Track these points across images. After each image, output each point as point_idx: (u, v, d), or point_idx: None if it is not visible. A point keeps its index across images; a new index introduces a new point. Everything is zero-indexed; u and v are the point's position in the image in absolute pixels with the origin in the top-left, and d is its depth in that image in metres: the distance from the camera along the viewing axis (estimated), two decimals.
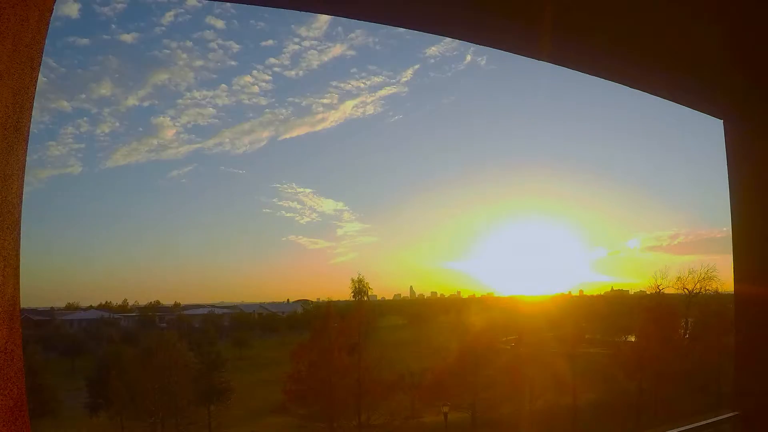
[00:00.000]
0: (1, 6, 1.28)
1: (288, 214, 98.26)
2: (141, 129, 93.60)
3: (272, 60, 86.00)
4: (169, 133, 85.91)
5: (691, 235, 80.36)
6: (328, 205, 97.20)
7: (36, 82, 1.46)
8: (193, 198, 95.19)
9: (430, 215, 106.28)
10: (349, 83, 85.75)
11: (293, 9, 2.91)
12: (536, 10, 2.95)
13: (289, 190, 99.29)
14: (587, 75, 3.74)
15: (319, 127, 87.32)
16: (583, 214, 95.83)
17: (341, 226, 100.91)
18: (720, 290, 40.56)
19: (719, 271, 41.25)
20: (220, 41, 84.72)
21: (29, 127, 1.44)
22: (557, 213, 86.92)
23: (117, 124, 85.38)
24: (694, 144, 71.71)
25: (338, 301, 48.11)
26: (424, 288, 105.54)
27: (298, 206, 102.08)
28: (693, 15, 3.24)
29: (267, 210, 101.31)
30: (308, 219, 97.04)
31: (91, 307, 73.15)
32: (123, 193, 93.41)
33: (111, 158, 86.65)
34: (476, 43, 3.23)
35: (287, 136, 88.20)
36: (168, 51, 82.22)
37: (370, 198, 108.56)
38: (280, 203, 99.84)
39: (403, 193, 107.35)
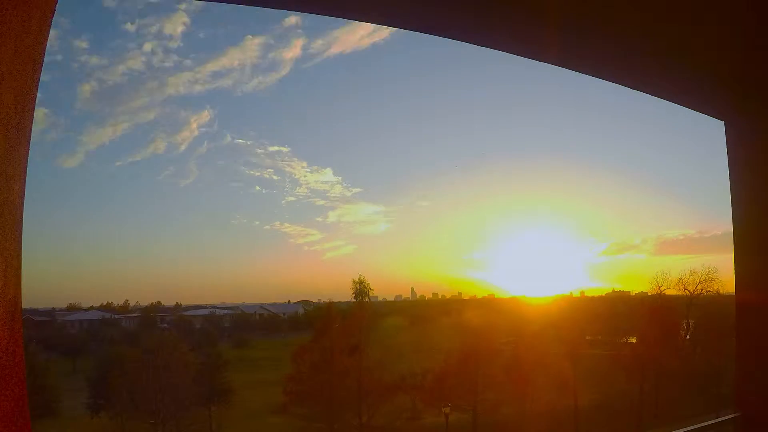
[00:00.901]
0: (3, 7, 1.28)
1: (265, 191, 79.11)
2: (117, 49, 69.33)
3: None
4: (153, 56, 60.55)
5: (692, 234, 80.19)
6: (313, 176, 77.77)
7: (38, 83, 1.46)
8: (191, 176, 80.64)
9: (440, 208, 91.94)
10: None
11: (292, 10, 2.92)
12: (540, 14, 2.97)
13: (259, 150, 75.98)
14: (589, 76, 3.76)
15: (349, 49, 67.15)
16: (585, 215, 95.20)
17: (332, 206, 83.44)
18: (721, 291, 40.55)
19: (720, 272, 41.28)
20: None
21: (31, 128, 1.44)
22: (558, 214, 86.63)
23: (85, 45, 61.92)
24: (699, 144, 70.99)
25: (339, 302, 48.15)
26: (425, 289, 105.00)
27: (276, 178, 78.99)
28: (694, 18, 3.25)
29: (235, 183, 79.85)
30: (291, 198, 78.71)
31: (92, 307, 73.17)
32: (114, 175, 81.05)
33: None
34: (481, 45, 3.23)
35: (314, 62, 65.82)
36: None
37: (379, 169, 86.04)
38: (251, 172, 77.35)
39: (419, 173, 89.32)
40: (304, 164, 78.37)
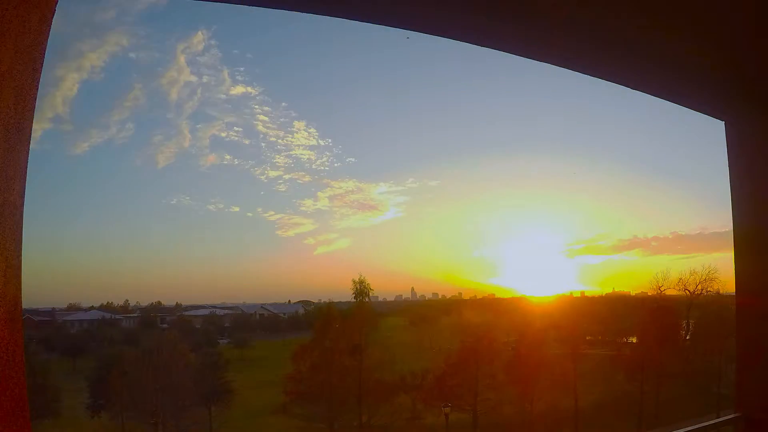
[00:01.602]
0: (2, 7, 1.29)
1: (237, 161, 58.70)
2: None
3: None
4: None
5: (692, 234, 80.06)
6: (294, 139, 58.39)
7: (38, 83, 1.47)
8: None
9: (450, 190, 77.61)
10: None
11: (291, 10, 2.92)
12: (541, 14, 2.98)
13: (220, 95, 53.86)
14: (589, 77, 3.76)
15: None
16: (585, 215, 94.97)
17: (321, 183, 65.66)
18: (721, 291, 40.59)
19: (720, 272, 41.31)
20: None
21: (31, 128, 1.45)
22: (558, 214, 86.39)
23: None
24: (699, 143, 70.25)
25: (339, 302, 48.18)
26: (425, 289, 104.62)
27: (247, 141, 58.60)
28: (694, 18, 3.25)
29: (208, 166, 56.69)
30: (272, 173, 61.07)
31: (92, 307, 73.06)
32: (95, 147, 62.98)
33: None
34: (482, 46, 3.23)
35: None
36: None
37: (379, 136, 68.98)
38: (217, 134, 57.22)
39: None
40: (281, 119, 58.60)
